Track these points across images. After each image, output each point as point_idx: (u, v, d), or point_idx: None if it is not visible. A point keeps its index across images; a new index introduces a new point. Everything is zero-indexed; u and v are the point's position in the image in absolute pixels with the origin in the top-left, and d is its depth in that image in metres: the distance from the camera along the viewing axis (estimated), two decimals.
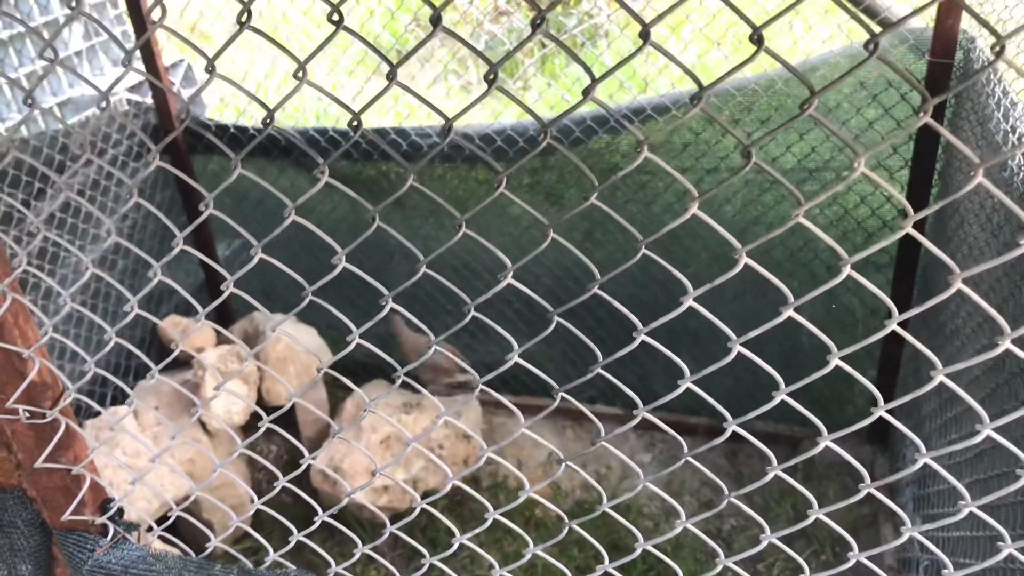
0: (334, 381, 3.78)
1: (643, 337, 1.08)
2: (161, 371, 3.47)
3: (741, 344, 1.02)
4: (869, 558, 1.15)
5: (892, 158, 2.79)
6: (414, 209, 3.37)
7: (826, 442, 1.04)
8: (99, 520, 1.45)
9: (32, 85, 1.05)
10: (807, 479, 3.10)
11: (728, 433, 1.12)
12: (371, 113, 4.85)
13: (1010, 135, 2.07)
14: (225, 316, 3.87)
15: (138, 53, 3.26)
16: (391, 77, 0.96)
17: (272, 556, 1.51)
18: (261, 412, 1.54)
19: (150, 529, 1.64)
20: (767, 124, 2.84)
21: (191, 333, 3.40)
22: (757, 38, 0.81)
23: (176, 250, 1.29)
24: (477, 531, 1.46)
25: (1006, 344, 0.88)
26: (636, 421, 1.20)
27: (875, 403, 2.99)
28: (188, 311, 3.74)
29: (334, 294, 3.69)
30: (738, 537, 3.03)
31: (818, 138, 2.83)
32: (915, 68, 2.62)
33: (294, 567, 1.49)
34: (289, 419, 3.52)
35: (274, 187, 3.43)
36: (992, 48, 0.77)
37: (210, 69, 1.03)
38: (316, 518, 1.61)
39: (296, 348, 3.38)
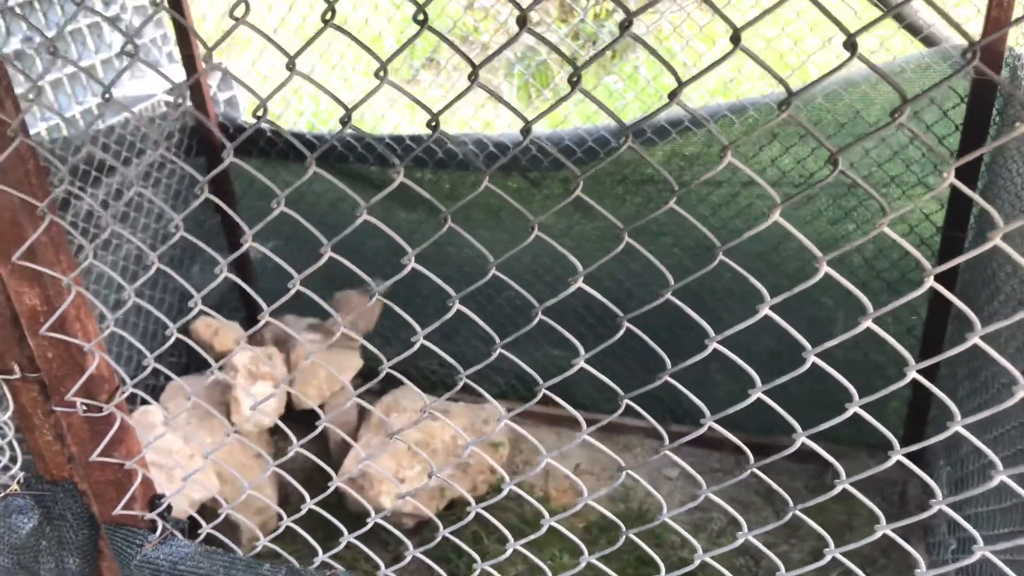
0: (362, 384, 3.79)
1: (715, 345, 1.07)
2: (191, 371, 3.48)
3: (815, 355, 1.02)
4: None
5: (933, 175, 2.78)
6: (467, 221, 3.37)
7: (898, 456, 1.03)
8: (148, 516, 1.45)
9: (111, 80, 1.06)
10: (839, 498, 3.07)
11: (797, 445, 1.11)
12: (451, 123, 4.87)
13: None
14: (255, 318, 3.88)
15: (170, 56, 3.29)
16: (472, 78, 0.96)
17: (321, 556, 1.51)
18: (291, 435, 1.54)
19: (190, 529, 1.64)
20: (806, 138, 2.83)
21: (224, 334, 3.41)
22: (851, 44, 0.81)
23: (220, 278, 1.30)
24: (526, 538, 1.46)
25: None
26: (702, 431, 1.19)
27: (907, 420, 2.91)
28: (217, 312, 3.76)
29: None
30: (763, 556, 3.00)
31: (857, 153, 2.82)
32: (959, 85, 2.61)
33: (342, 568, 1.49)
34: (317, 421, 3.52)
35: (309, 191, 3.42)
36: None
37: (290, 66, 1.04)
38: (342, 538, 1.61)
39: (324, 353, 3.38)
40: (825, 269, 0.94)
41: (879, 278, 2.97)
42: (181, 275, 3.50)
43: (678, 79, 0.89)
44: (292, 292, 1.29)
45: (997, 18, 2.40)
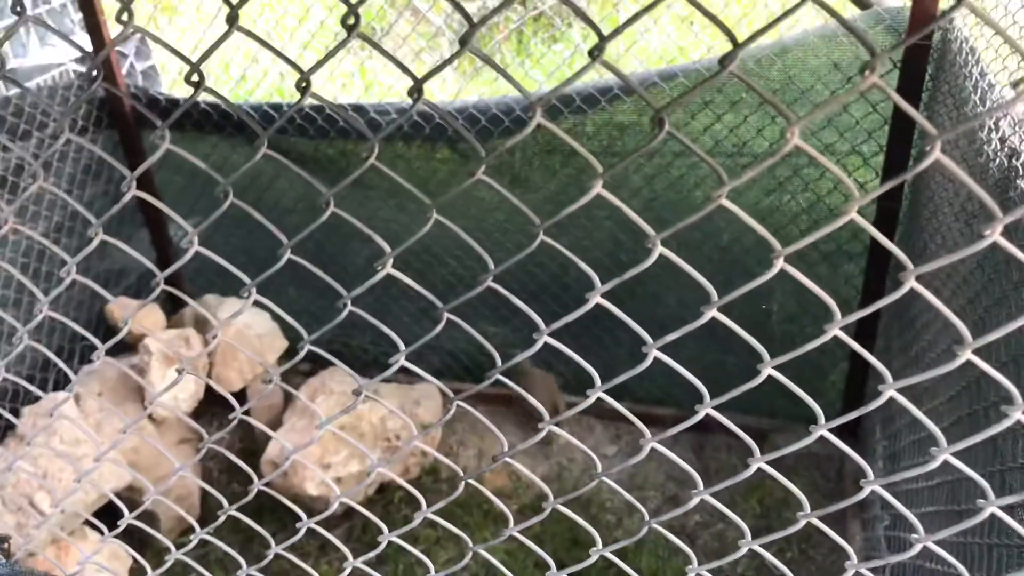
0: (290, 368, 3.65)
1: (598, 299, 0.97)
2: (106, 355, 3.32)
3: (717, 311, 0.92)
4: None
5: (867, 143, 2.70)
6: (372, 190, 3.23)
7: (822, 431, 0.94)
8: None
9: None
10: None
11: (701, 416, 1.02)
12: (332, 89, 4.70)
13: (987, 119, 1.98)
14: (176, 298, 3.72)
15: (83, 23, 3.10)
16: (351, 28, 0.83)
17: (217, 547, 1.39)
18: (203, 432, 1.42)
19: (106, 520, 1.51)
20: (737, 106, 2.73)
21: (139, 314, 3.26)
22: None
23: (96, 241, 1.17)
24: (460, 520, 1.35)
25: (966, 355, 0.78)
26: (591, 400, 1.10)
27: (845, 394, 2.86)
28: (138, 294, 3.60)
29: (291, 275, 3.57)
30: (703, 533, 2.94)
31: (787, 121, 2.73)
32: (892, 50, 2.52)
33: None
34: (241, 405, 3.39)
35: (228, 164, 3.27)
36: None
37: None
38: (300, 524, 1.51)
39: (247, 334, 3.25)
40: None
41: (816, 249, 2.90)
42: (96, 255, 3.34)
43: (600, 34, 0.78)
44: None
45: None
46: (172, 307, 3.56)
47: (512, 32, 5.62)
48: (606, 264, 3.05)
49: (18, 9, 0.89)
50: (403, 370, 1.28)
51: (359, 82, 4.96)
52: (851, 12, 2.65)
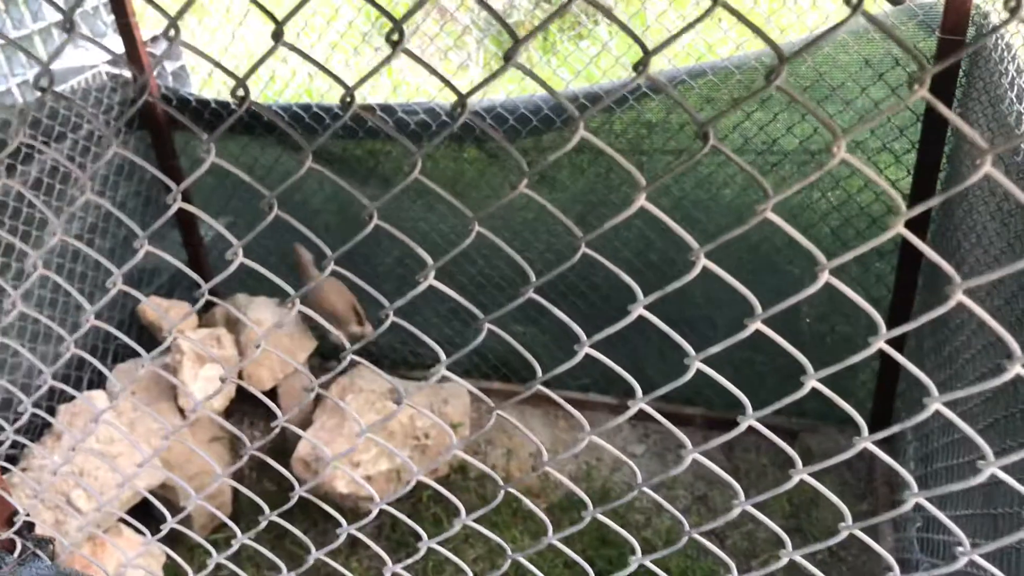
0: (319, 366, 3.68)
1: (640, 310, 0.97)
2: (137, 354, 3.35)
3: (761, 322, 0.92)
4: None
5: (899, 140, 2.67)
6: (402, 191, 3.24)
7: (865, 443, 0.93)
8: (5, 535, 1.34)
9: (51, 55, 0.94)
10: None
11: (742, 428, 1.02)
12: (360, 89, 4.71)
13: (1023, 117, 1.95)
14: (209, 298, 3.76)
15: (115, 26, 3.14)
16: (395, 43, 0.84)
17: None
18: (246, 440, 1.43)
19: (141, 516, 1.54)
20: (767, 104, 2.72)
21: (172, 314, 3.30)
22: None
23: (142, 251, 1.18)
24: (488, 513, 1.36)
25: (1016, 369, 0.76)
26: (633, 412, 1.10)
27: (875, 394, 2.82)
28: (170, 293, 3.64)
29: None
30: (732, 533, 2.93)
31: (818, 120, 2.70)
32: (924, 46, 2.49)
33: None
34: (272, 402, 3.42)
35: (257, 164, 3.30)
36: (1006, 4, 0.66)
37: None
38: (292, 493, 1.52)
39: (277, 333, 3.27)
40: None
41: (845, 247, 2.87)
42: (129, 254, 3.38)
43: (644, 48, 0.78)
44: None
45: None
46: (203, 306, 3.59)
47: (538, 31, 5.60)
48: (636, 266, 3.04)
49: (67, 27, 0.91)
50: (430, 367, 1.28)
51: (386, 81, 4.98)
52: (882, 8, 2.62)
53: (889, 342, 0.86)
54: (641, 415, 1.14)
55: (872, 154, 2.68)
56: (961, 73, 2.42)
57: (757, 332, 1.00)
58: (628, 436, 3.37)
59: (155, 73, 3.58)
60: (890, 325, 2.69)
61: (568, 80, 4.73)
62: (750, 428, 1.11)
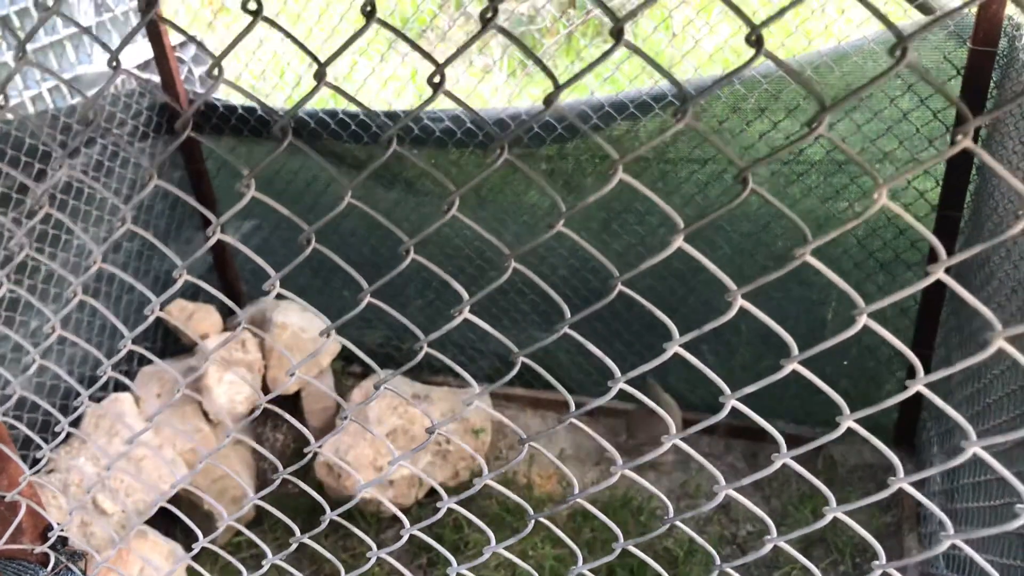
0: (343, 370, 3.70)
1: (676, 348, 0.97)
2: (164, 357, 3.37)
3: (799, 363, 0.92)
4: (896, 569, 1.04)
5: (927, 151, 2.65)
6: (426, 196, 3.26)
7: (900, 484, 0.93)
8: (39, 549, 1.35)
9: (115, 48, 0.95)
10: (829, 483, 2.98)
11: (778, 465, 1.02)
12: (386, 95, 4.73)
13: None
14: (233, 301, 3.79)
15: (144, 31, 3.17)
16: (436, 86, 0.85)
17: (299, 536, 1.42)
18: (279, 464, 1.44)
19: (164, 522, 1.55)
20: (795, 113, 2.70)
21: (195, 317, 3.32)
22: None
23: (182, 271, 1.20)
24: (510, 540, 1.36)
25: None
26: (666, 447, 1.10)
27: (901, 405, 2.80)
28: (195, 296, 3.67)
29: (346, 279, 3.61)
30: (754, 543, 2.92)
31: (848, 128, 2.69)
32: (955, 56, 2.47)
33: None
34: (295, 409, 3.44)
35: (284, 169, 3.31)
36: None
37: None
38: (323, 517, 1.52)
39: (303, 336, 3.29)
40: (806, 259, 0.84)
41: (872, 258, 2.85)
42: (158, 255, 3.41)
43: (684, 94, 0.78)
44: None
45: None
46: (228, 309, 3.62)
47: (563, 37, 5.61)
48: (661, 274, 3.03)
49: (114, 64, 0.92)
50: (454, 372, 1.28)
51: (411, 87, 5.00)
52: (911, 18, 2.60)
53: (914, 350, 0.85)
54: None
55: (900, 164, 2.66)
56: (992, 84, 2.40)
57: (782, 342, 1.00)
58: (650, 444, 3.36)
59: (183, 77, 3.61)
60: (917, 332, 2.65)
61: (593, 87, 4.73)
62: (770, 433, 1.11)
